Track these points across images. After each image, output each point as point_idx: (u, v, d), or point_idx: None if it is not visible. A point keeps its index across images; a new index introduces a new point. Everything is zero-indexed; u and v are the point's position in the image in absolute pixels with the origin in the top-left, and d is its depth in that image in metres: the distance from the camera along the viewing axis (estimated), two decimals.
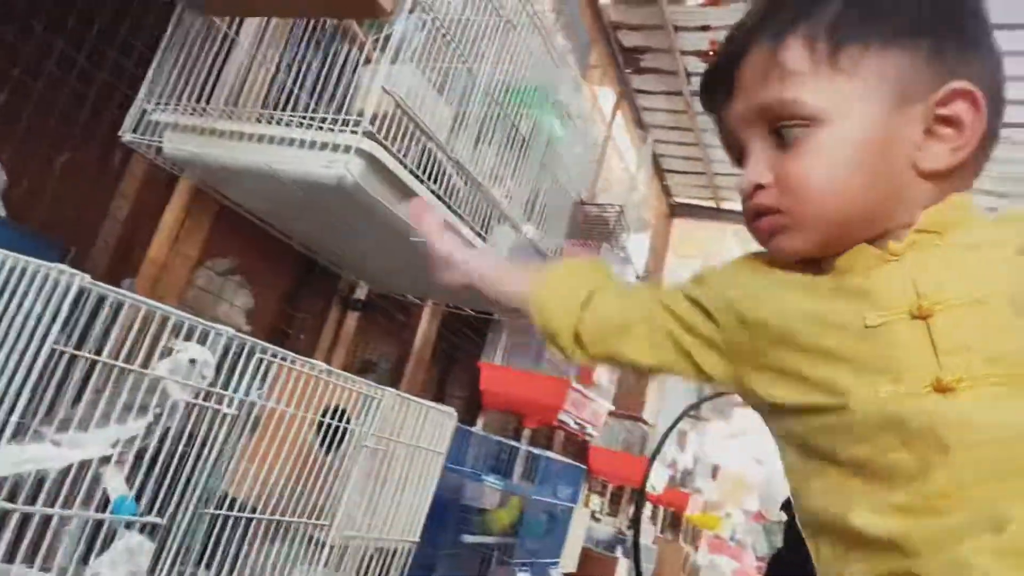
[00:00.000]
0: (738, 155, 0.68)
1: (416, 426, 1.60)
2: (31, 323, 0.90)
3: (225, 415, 1.15)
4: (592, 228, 4.39)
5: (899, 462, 0.52)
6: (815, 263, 0.64)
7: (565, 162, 2.41)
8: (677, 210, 8.16)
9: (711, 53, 5.87)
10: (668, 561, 4.96)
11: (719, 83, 0.67)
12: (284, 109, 1.53)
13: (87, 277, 0.92)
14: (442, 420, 1.67)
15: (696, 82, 6.19)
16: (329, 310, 2.22)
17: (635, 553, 2.52)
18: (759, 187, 0.63)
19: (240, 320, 1.87)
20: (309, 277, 2.27)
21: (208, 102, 1.58)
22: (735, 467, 6.64)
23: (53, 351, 0.90)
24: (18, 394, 0.94)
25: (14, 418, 0.99)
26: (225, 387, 1.23)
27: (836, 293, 0.60)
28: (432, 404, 1.60)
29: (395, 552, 1.56)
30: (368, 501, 1.49)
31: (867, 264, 0.60)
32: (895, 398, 0.53)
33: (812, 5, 0.61)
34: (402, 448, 1.56)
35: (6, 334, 0.94)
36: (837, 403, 0.56)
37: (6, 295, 0.94)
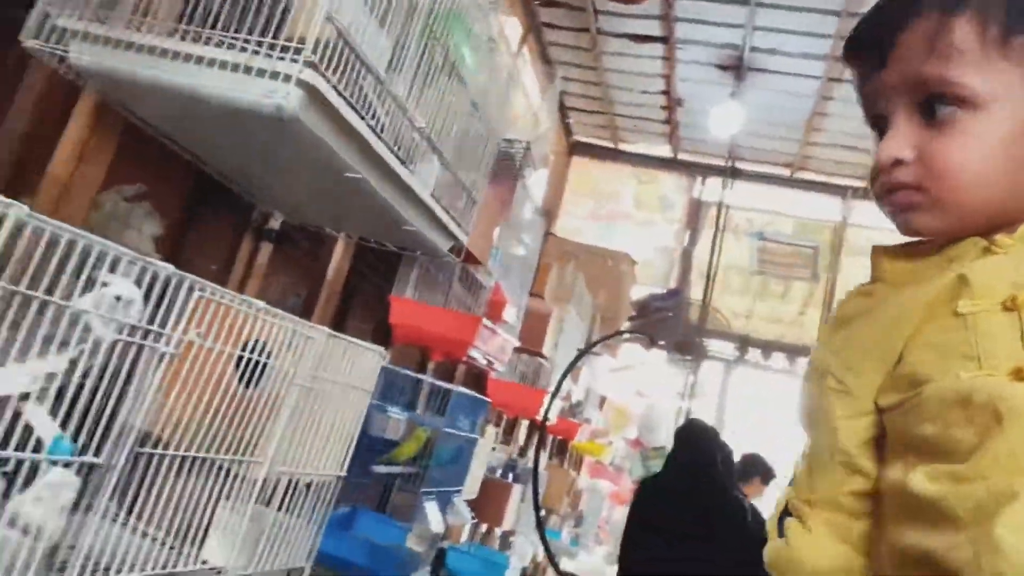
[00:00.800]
0: (874, 120, 0.67)
1: (345, 364, 1.60)
2: None
3: (163, 354, 1.11)
4: (499, 163, 4.39)
5: (961, 436, 0.53)
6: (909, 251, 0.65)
7: (484, 96, 2.37)
8: (576, 148, 8.26)
9: None
10: (555, 484, 5.25)
11: (872, 44, 0.65)
12: (205, 25, 1.42)
13: (24, 208, 0.85)
14: (371, 358, 1.68)
15: (603, 21, 6.22)
16: (241, 240, 2.13)
17: (534, 480, 2.65)
18: (898, 162, 0.63)
19: (149, 248, 1.76)
20: (219, 203, 2.16)
21: (118, 10, 1.44)
22: (620, 399, 7.04)
23: None
24: None
25: None
26: (160, 324, 1.18)
27: (935, 279, 0.61)
28: (362, 343, 1.60)
29: (324, 485, 1.58)
30: (296, 437, 1.49)
31: (974, 255, 0.61)
32: (972, 380, 0.55)
33: None
34: (330, 385, 1.56)
35: None
36: (918, 391, 0.58)
37: None
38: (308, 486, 1.65)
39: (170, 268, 1.09)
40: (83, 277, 0.98)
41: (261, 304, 1.28)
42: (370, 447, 2.76)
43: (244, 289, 2.13)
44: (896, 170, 0.63)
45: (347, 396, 1.57)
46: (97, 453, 1.06)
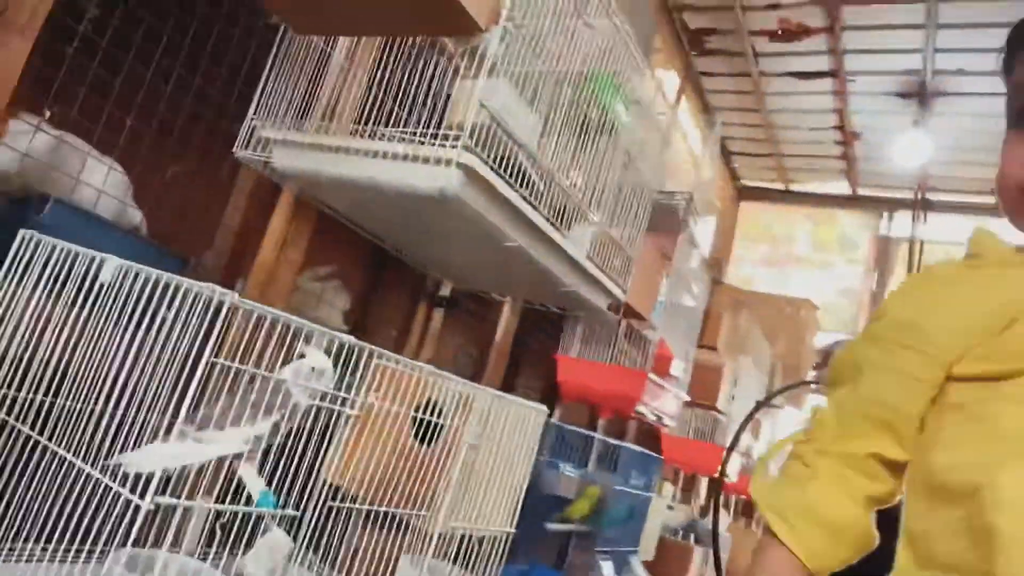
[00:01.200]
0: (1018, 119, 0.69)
1: (509, 421, 1.68)
2: (186, 338, 1.01)
3: (347, 416, 1.24)
4: (661, 216, 4.38)
5: None
6: None
7: (639, 152, 2.42)
8: (744, 193, 8.02)
9: (780, 33, 5.75)
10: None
11: None
12: (380, 123, 1.61)
13: (236, 295, 1.02)
14: (534, 416, 1.74)
15: (764, 63, 6.08)
16: (417, 308, 2.32)
17: (714, 542, 2.55)
18: None
19: (338, 320, 1.98)
20: (396, 277, 2.37)
21: (309, 119, 1.68)
22: None
23: (210, 364, 1.00)
24: (173, 399, 1.05)
25: (167, 419, 1.10)
26: (345, 388, 1.33)
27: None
28: (525, 402, 1.67)
29: (495, 540, 1.64)
30: (467, 493, 1.57)
31: None
32: None
33: None
34: (498, 444, 1.64)
35: (162, 346, 1.05)
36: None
37: (162, 309, 1.05)
38: (480, 541, 1.73)
39: (351, 339, 1.23)
40: (283, 350, 1.13)
41: (429, 367, 1.40)
42: (544, 504, 2.82)
43: (420, 352, 2.31)
44: None
45: (513, 454, 1.64)
46: (296, 507, 1.20)
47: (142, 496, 0.94)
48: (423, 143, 1.46)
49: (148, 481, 0.96)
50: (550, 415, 3.27)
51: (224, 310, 1.00)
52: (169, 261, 1.63)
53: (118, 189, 1.58)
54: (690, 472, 4.79)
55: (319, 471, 1.34)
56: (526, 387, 3.53)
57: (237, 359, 1.16)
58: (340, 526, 1.48)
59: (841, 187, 7.45)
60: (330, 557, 1.53)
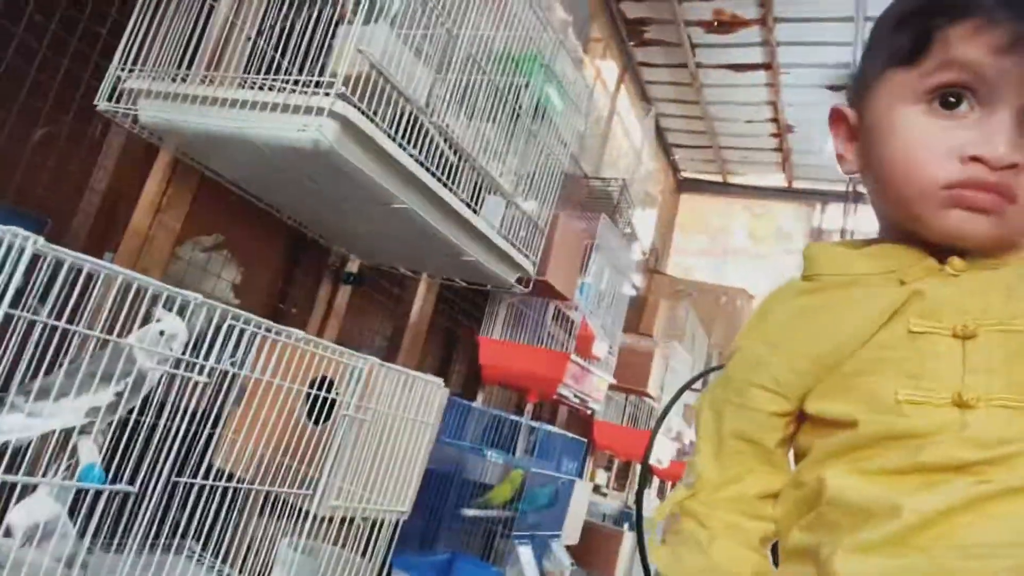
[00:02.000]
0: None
1: (405, 396, 1.58)
2: None
3: (198, 383, 1.13)
4: (596, 202, 4.35)
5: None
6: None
7: (561, 133, 2.37)
8: (684, 185, 8.06)
9: (715, 24, 5.78)
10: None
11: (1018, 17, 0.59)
12: (263, 73, 1.49)
13: (40, 240, 0.90)
14: (431, 391, 1.65)
15: (700, 54, 6.10)
16: (320, 284, 2.20)
17: (638, 525, 2.50)
18: (1013, 166, 0.58)
19: (228, 294, 1.85)
20: (301, 251, 2.25)
21: (189, 68, 1.54)
22: None
23: (9, 316, 0.88)
24: None
25: None
26: (203, 356, 1.21)
27: (889, 289, 0.62)
28: (419, 374, 1.57)
29: (383, 523, 1.54)
30: (354, 471, 1.47)
31: (928, 273, 0.62)
32: (910, 403, 0.57)
33: None
34: (390, 419, 1.54)
35: None
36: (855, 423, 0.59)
37: None
38: (377, 524, 1.63)
39: (199, 297, 1.11)
40: (120, 313, 1.01)
41: (300, 333, 1.29)
42: (468, 491, 2.73)
43: (324, 330, 2.19)
44: (1004, 173, 0.59)
45: (405, 429, 1.54)
46: (132, 482, 1.08)
47: None
48: (295, 91, 1.35)
49: None
50: (470, 396, 3.19)
51: (26, 256, 0.88)
52: (20, 221, 1.48)
53: None
54: (624, 458, 4.77)
55: (174, 445, 1.22)
56: (461, 374, 3.44)
57: (64, 319, 1.04)
58: (224, 510, 1.36)
59: (777, 179, 7.56)
60: (213, 543, 1.41)
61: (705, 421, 0.73)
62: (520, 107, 2.06)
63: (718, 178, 7.83)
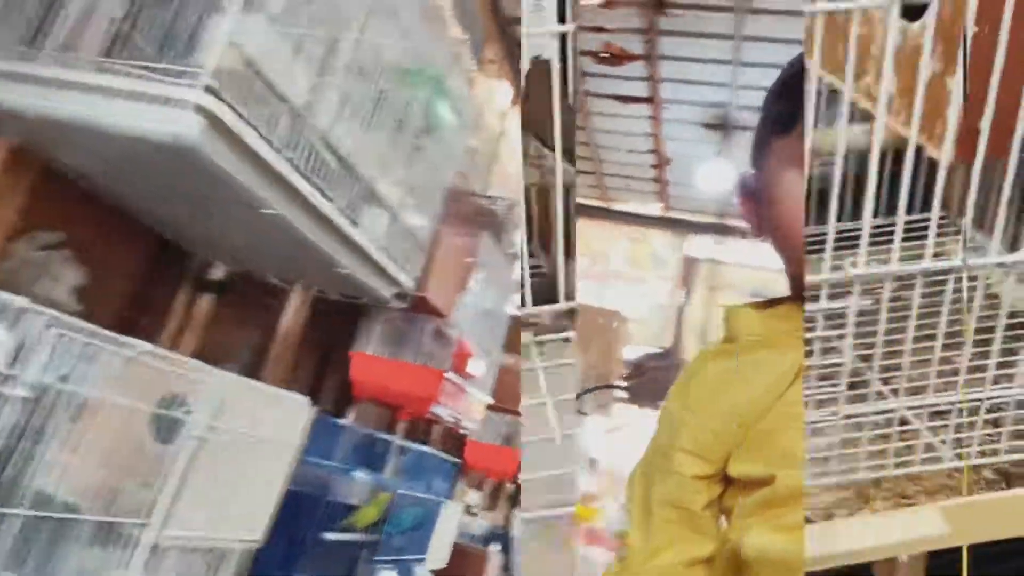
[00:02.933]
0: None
1: (264, 415, 1.48)
2: None
3: (8, 398, 0.99)
4: (482, 220, 4.34)
5: None
6: None
7: (450, 149, 2.34)
8: None
9: (604, 56, 5.97)
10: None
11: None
12: (127, 60, 1.36)
13: None
14: (294, 409, 1.55)
15: (590, 83, 6.28)
16: (177, 291, 2.03)
17: (506, 545, 2.48)
18: None
19: (66, 299, 1.67)
20: (161, 254, 2.07)
21: (37, 46, 1.38)
22: (613, 461, 6.79)
23: None
24: None
25: None
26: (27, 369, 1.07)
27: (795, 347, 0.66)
28: (280, 391, 1.48)
29: (232, 553, 1.43)
30: (202, 498, 1.35)
31: None
32: None
33: None
34: (246, 440, 1.43)
35: None
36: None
37: None
38: (223, 553, 1.50)
39: (21, 301, 0.98)
40: None
41: (146, 346, 1.17)
42: (333, 514, 2.60)
43: (180, 341, 2.02)
44: None
45: (261, 450, 1.44)
46: None
47: None
48: (158, 81, 1.23)
49: None
50: (338, 413, 3.07)
51: None
52: None
53: None
54: (496, 478, 4.76)
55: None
56: (337, 391, 3.30)
57: None
58: (41, 541, 1.20)
59: (654, 208, 7.88)
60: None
61: (636, 489, 0.74)
62: (408, 118, 2.01)
63: (601, 203, 8.07)
